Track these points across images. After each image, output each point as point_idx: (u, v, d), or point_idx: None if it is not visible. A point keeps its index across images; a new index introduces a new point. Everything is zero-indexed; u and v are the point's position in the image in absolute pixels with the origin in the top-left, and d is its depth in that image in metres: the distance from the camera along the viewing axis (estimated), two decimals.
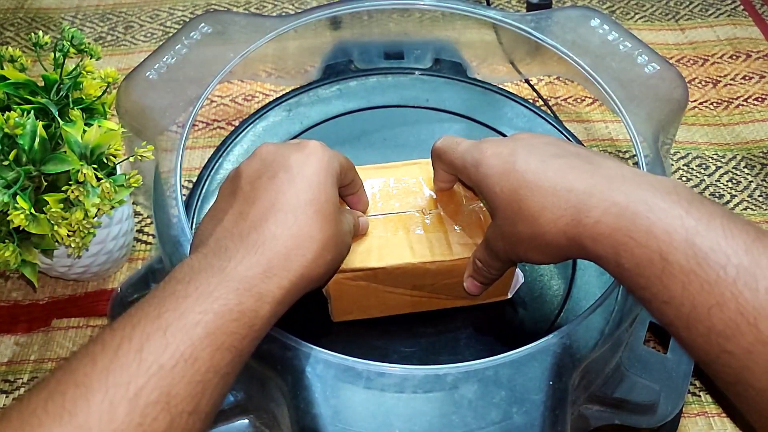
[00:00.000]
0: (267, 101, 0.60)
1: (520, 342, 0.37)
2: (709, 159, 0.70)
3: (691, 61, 0.81)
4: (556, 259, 0.33)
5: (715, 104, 0.76)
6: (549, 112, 0.68)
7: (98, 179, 0.46)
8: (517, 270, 0.43)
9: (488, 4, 0.85)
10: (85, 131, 0.46)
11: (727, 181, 0.68)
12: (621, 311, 0.41)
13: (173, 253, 0.42)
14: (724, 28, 0.85)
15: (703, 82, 0.79)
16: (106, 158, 0.48)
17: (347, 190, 0.39)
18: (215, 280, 0.29)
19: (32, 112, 0.45)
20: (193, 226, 0.48)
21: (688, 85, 0.66)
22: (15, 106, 0.46)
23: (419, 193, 0.43)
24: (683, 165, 0.70)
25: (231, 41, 0.53)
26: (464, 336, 0.43)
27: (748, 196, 0.67)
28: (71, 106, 0.49)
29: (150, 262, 0.48)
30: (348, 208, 0.41)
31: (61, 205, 0.45)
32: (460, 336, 0.43)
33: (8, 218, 0.43)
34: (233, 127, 0.59)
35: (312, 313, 0.42)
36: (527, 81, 0.75)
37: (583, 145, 0.56)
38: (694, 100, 0.77)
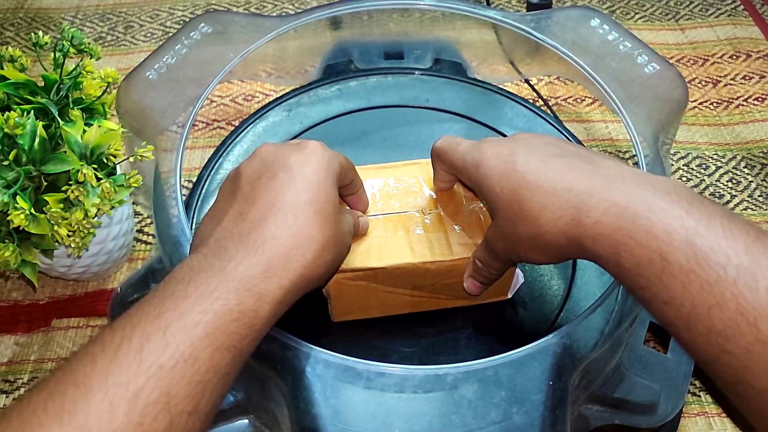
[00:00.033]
0: (267, 101, 0.60)
1: (520, 342, 0.37)
2: (709, 159, 0.70)
3: (691, 61, 0.81)
4: (556, 259, 0.33)
5: (715, 104, 0.76)
6: (549, 112, 0.68)
7: (98, 179, 0.46)
8: (517, 270, 0.43)
9: (488, 4, 0.85)
10: (85, 131, 0.46)
11: (727, 181, 0.68)
12: (621, 311, 0.41)
13: (173, 253, 0.42)
14: (724, 28, 0.85)
15: (703, 82, 0.79)
16: (106, 158, 0.48)
17: (347, 190, 0.39)
18: (215, 280, 0.29)
19: (32, 112, 0.45)
20: (193, 226, 0.48)
21: (688, 85, 0.66)
22: (15, 106, 0.46)
23: (419, 193, 0.43)
24: (683, 165, 0.70)
25: (231, 41, 0.53)
26: (464, 336, 0.43)
27: (748, 196, 0.67)
28: (71, 106, 0.49)
29: (150, 262, 0.48)
30: (348, 208, 0.41)
31: (61, 205, 0.45)
32: (460, 336, 0.43)
33: (8, 218, 0.43)
34: (233, 127, 0.59)
35: (312, 313, 0.42)
36: (527, 81, 0.75)
37: (583, 145, 0.56)
38: (694, 100, 0.77)
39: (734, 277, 0.25)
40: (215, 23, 0.54)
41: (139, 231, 0.63)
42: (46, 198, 0.45)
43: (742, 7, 0.88)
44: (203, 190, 0.52)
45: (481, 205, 0.42)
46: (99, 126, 0.47)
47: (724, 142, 0.72)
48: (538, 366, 0.36)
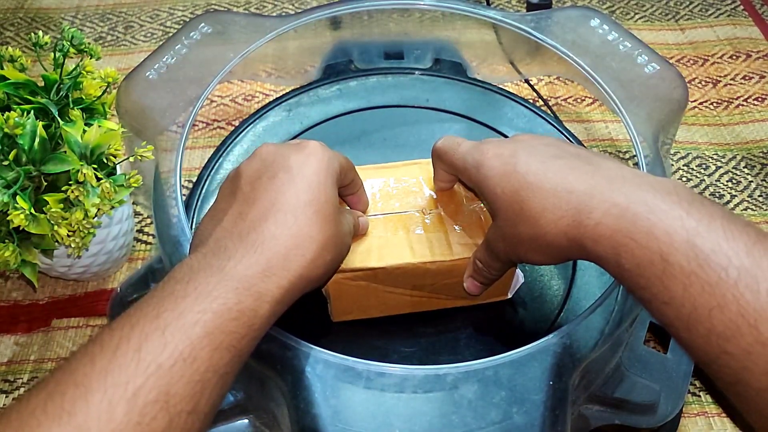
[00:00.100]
0: (267, 101, 0.60)
1: (520, 342, 0.37)
2: (709, 159, 0.70)
3: (691, 61, 0.81)
4: (556, 260, 0.33)
5: (715, 104, 0.76)
6: (549, 112, 0.68)
7: (98, 179, 0.46)
8: (517, 270, 0.43)
9: (488, 4, 0.85)
10: (85, 131, 0.46)
11: (727, 181, 0.68)
12: (621, 311, 0.41)
13: (173, 253, 0.42)
14: (724, 28, 0.85)
15: (703, 82, 0.79)
16: (106, 158, 0.48)
17: (347, 190, 0.39)
18: (214, 279, 0.29)
19: (32, 112, 0.45)
20: (193, 226, 0.48)
21: (688, 85, 0.66)
22: (15, 106, 0.46)
23: (419, 193, 0.43)
24: (683, 165, 0.70)
25: (231, 41, 0.53)
26: (464, 336, 0.43)
27: (748, 196, 0.67)
28: (71, 106, 0.49)
29: (150, 262, 0.48)
30: (348, 208, 0.41)
31: (61, 205, 0.45)
32: (460, 336, 0.43)
33: (8, 218, 0.43)
34: (233, 127, 0.59)
35: (312, 313, 0.42)
36: (527, 81, 0.75)
37: (583, 145, 0.56)
38: (694, 100, 0.77)
39: (735, 278, 0.25)
40: (215, 23, 0.54)
41: (139, 231, 0.63)
42: (46, 198, 0.45)
43: (742, 7, 0.88)
44: (203, 190, 0.52)
45: (482, 205, 0.42)
46: (99, 126, 0.47)
47: (724, 142, 0.72)
48: (538, 366, 0.36)
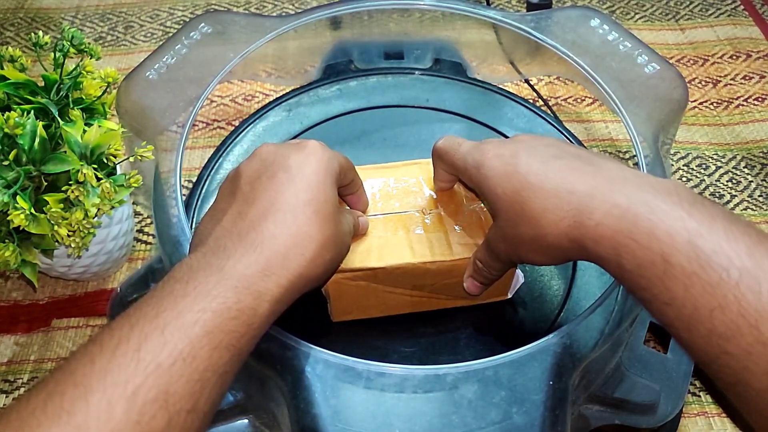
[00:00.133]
0: (267, 101, 0.60)
1: (520, 342, 0.37)
2: (709, 159, 0.70)
3: (691, 61, 0.81)
4: (557, 260, 0.33)
5: (715, 104, 0.76)
6: (549, 112, 0.68)
7: (98, 179, 0.46)
8: (517, 270, 0.43)
9: (488, 4, 0.85)
10: (85, 131, 0.46)
11: (727, 181, 0.68)
12: (621, 311, 0.41)
13: (173, 253, 0.42)
14: (724, 28, 0.85)
15: (703, 82, 0.79)
16: (106, 158, 0.48)
17: (347, 190, 0.39)
18: (214, 278, 0.29)
19: (32, 112, 0.45)
20: (193, 226, 0.48)
21: (688, 85, 0.66)
22: (15, 106, 0.46)
23: (419, 193, 0.43)
24: (683, 165, 0.70)
25: (231, 41, 0.53)
26: (464, 336, 0.43)
27: (748, 196, 0.67)
28: (71, 106, 0.49)
29: (150, 262, 0.48)
30: (348, 208, 0.41)
31: (61, 205, 0.45)
32: (460, 336, 0.43)
33: (8, 218, 0.43)
34: (233, 127, 0.59)
35: (312, 313, 0.42)
36: (527, 81, 0.75)
37: (583, 145, 0.56)
38: (694, 100, 0.77)
39: (737, 279, 0.25)
40: (215, 23, 0.54)
41: (139, 231, 0.63)
42: (46, 198, 0.45)
43: (742, 7, 0.88)
44: (203, 190, 0.52)
45: (482, 205, 0.42)
46: (99, 126, 0.47)
47: (724, 142, 0.72)
48: (538, 366, 0.36)
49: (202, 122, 0.74)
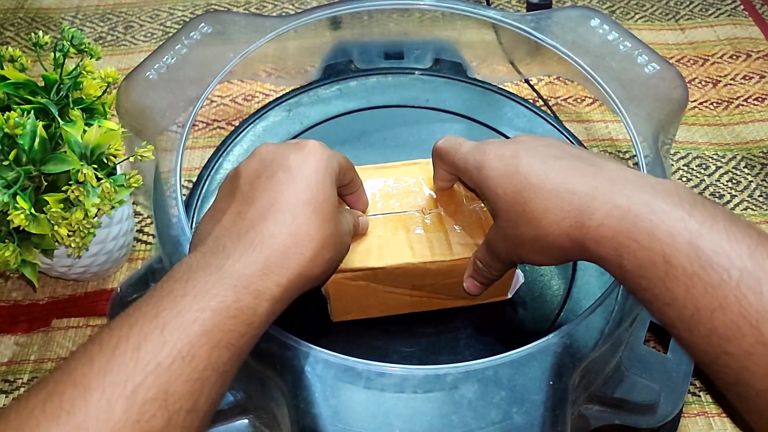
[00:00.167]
0: (267, 101, 0.60)
1: (520, 342, 0.37)
2: (709, 159, 0.70)
3: (691, 61, 0.81)
4: (557, 260, 0.33)
5: (715, 104, 0.76)
6: (549, 112, 0.68)
7: (98, 179, 0.46)
8: (517, 270, 0.43)
9: (488, 4, 0.85)
10: (85, 131, 0.46)
11: (727, 181, 0.68)
12: (621, 311, 0.41)
13: (173, 253, 0.42)
14: (724, 28, 0.85)
15: (703, 82, 0.79)
16: (106, 158, 0.48)
17: (346, 190, 0.39)
18: (213, 278, 0.29)
19: (32, 112, 0.45)
20: (193, 226, 0.48)
21: (688, 85, 0.66)
22: (15, 106, 0.46)
23: (419, 193, 0.43)
24: (683, 165, 0.70)
25: (231, 41, 0.53)
26: (464, 336, 0.43)
27: (748, 196, 0.67)
28: (71, 106, 0.49)
29: (150, 262, 0.48)
30: (348, 207, 0.41)
31: (61, 205, 0.45)
32: (460, 336, 0.43)
33: (8, 218, 0.43)
34: (233, 127, 0.59)
35: (312, 313, 0.42)
36: (527, 81, 0.75)
37: (583, 145, 0.56)
38: (694, 100, 0.77)
39: (738, 280, 0.25)
40: (215, 23, 0.54)
41: (139, 231, 0.63)
42: (46, 198, 0.45)
43: (742, 7, 0.88)
44: (203, 190, 0.52)
45: (482, 205, 0.42)
46: (99, 126, 0.47)
47: (724, 142, 0.72)
48: (538, 366, 0.36)
49: (202, 122, 0.74)
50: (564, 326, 0.38)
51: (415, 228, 0.41)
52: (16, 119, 0.43)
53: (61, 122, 0.46)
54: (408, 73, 0.62)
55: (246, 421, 0.40)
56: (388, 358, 0.41)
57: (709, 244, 0.26)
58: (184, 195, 0.50)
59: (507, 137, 0.55)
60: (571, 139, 0.55)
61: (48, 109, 0.47)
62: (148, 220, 0.64)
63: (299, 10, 0.70)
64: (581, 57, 0.52)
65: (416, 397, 0.35)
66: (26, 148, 0.44)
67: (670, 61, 0.58)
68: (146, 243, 0.63)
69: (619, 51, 0.52)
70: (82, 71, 0.50)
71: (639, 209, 0.28)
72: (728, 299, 0.25)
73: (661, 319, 0.28)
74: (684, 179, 0.69)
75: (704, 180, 0.68)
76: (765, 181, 0.68)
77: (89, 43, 0.50)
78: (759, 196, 0.67)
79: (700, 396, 0.52)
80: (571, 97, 0.77)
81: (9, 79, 0.48)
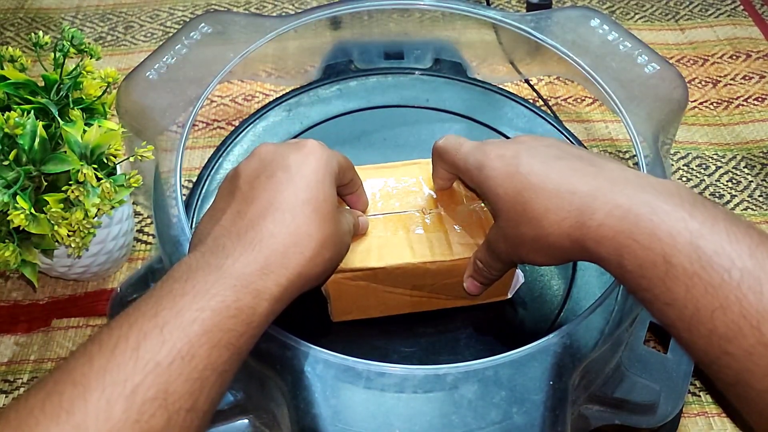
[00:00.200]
0: (267, 101, 0.60)
1: (520, 342, 0.37)
2: (709, 159, 0.70)
3: (691, 61, 0.81)
4: (558, 260, 0.33)
5: (715, 104, 0.76)
6: (549, 112, 0.68)
7: (98, 179, 0.46)
8: (517, 270, 0.43)
9: (488, 4, 0.85)
10: (85, 131, 0.46)
11: (727, 181, 0.68)
12: (621, 311, 0.41)
13: (173, 253, 0.42)
14: (724, 28, 0.85)
15: (703, 82, 0.79)
16: (106, 158, 0.48)
17: (346, 190, 0.39)
18: (212, 277, 0.29)
19: (32, 112, 0.45)
20: (193, 226, 0.48)
21: (688, 85, 0.66)
22: (15, 106, 0.46)
23: (419, 193, 0.43)
24: (683, 165, 0.70)
25: (231, 41, 0.53)
26: (464, 336, 0.43)
27: (748, 196, 0.67)
28: (71, 106, 0.49)
29: (150, 262, 0.48)
30: (348, 207, 0.41)
31: (61, 205, 0.45)
32: (460, 336, 0.43)
33: (8, 218, 0.43)
34: (233, 127, 0.59)
35: (312, 313, 0.42)
36: (527, 81, 0.75)
37: (583, 145, 0.56)
38: (694, 100, 0.77)
39: (738, 280, 0.25)
40: (215, 23, 0.54)
41: (139, 231, 0.63)
42: (46, 198, 0.45)
43: (742, 7, 0.88)
44: (203, 190, 0.52)
45: (482, 205, 0.42)
46: (99, 126, 0.47)
47: (724, 142, 0.72)
48: (538, 366, 0.36)
49: (202, 122, 0.74)
50: (564, 326, 0.38)
51: (415, 228, 0.41)
52: (16, 119, 0.43)
53: (61, 122, 0.46)
54: (408, 73, 0.62)
55: (246, 421, 0.40)
56: (388, 358, 0.41)
57: (710, 244, 0.26)
58: (184, 195, 0.50)
59: (507, 137, 0.55)
60: (571, 139, 0.55)
61: (48, 109, 0.47)
62: (148, 220, 0.64)
63: (299, 10, 0.70)
64: (581, 57, 0.52)
65: (416, 397, 0.35)
66: (26, 148, 0.44)
67: (670, 61, 0.58)
68: (146, 243, 0.63)
69: (619, 51, 0.52)
70: (82, 71, 0.50)
71: (640, 209, 0.28)
72: (729, 299, 0.25)
73: (662, 319, 0.28)
74: (684, 179, 0.69)
75: (704, 180, 0.68)
76: (765, 181, 0.68)
77: (89, 43, 0.50)
78: (759, 196, 0.67)
79: (700, 396, 0.52)
80: (571, 97, 0.77)
81: (9, 79, 0.48)
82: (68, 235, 0.46)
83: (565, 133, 0.56)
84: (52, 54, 0.49)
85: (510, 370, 0.36)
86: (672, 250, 0.27)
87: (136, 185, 0.49)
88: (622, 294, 0.41)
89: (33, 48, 0.49)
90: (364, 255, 0.39)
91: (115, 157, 0.48)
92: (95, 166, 0.46)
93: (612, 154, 0.71)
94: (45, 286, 0.59)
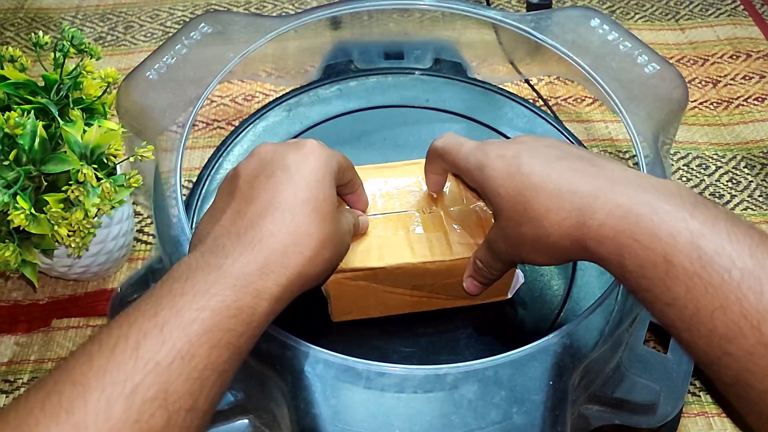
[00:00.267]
0: (267, 101, 0.60)
1: (520, 342, 0.37)
2: (709, 159, 0.70)
3: (691, 61, 0.81)
4: (558, 260, 0.33)
5: (715, 104, 0.76)
6: (549, 112, 0.68)
7: (98, 179, 0.46)
8: (517, 270, 0.43)
9: (488, 4, 0.85)
10: (85, 131, 0.46)
11: (727, 181, 0.68)
12: (621, 311, 0.41)
13: (173, 253, 0.42)
14: (724, 28, 0.85)
15: (703, 82, 0.79)
16: (106, 158, 0.48)
17: (346, 189, 0.39)
18: (212, 277, 0.29)
19: (32, 112, 0.45)
20: (193, 226, 0.48)
21: (688, 85, 0.66)
22: (15, 106, 0.46)
23: (419, 193, 0.43)
24: (683, 165, 0.70)
25: (231, 41, 0.53)
26: (464, 336, 0.43)
27: (748, 196, 0.67)
28: (71, 106, 0.49)
29: (150, 262, 0.48)
30: (348, 207, 0.41)
31: (61, 205, 0.45)
32: (460, 336, 0.43)
33: (8, 218, 0.43)
34: (233, 127, 0.59)
35: (312, 313, 0.42)
36: (527, 81, 0.75)
37: (583, 146, 0.56)
38: (694, 100, 0.76)
39: (738, 280, 0.25)
40: (215, 23, 0.54)
41: (139, 231, 0.63)
42: (46, 198, 0.45)
43: (742, 7, 0.88)
44: (203, 190, 0.52)
45: (482, 204, 0.42)
46: (99, 126, 0.47)
47: (724, 142, 0.72)
48: (538, 366, 0.36)
49: (202, 122, 0.74)
50: (564, 326, 0.38)
51: (415, 228, 0.41)
52: (16, 119, 0.43)
53: (61, 122, 0.46)
54: (408, 73, 0.62)
55: (246, 421, 0.40)
56: (388, 358, 0.41)
57: (711, 244, 0.26)
58: (184, 195, 0.50)
59: (507, 137, 0.55)
60: (571, 139, 0.55)
61: (48, 109, 0.47)
62: (148, 220, 0.64)
63: (299, 10, 0.70)
64: (581, 57, 0.52)
65: (416, 397, 0.35)
66: (26, 148, 0.44)
67: (670, 61, 0.58)
68: (146, 243, 0.63)
69: (619, 51, 0.52)
70: (82, 71, 0.50)
71: (641, 209, 0.28)
72: (729, 299, 0.25)
73: (662, 319, 0.28)
74: (684, 179, 0.69)
75: (704, 180, 0.68)
76: (765, 181, 0.68)
77: (89, 43, 0.50)
78: (759, 196, 0.67)
79: (700, 396, 0.52)
80: (571, 97, 0.77)
81: (9, 79, 0.48)
82: (68, 235, 0.46)
83: (565, 133, 0.56)
84: (52, 54, 0.49)
85: (510, 370, 0.36)
86: (672, 250, 0.27)
87: (136, 185, 0.49)
88: (622, 294, 0.41)
89: (33, 48, 0.49)
90: (364, 255, 0.39)
91: (115, 157, 0.48)
92: (95, 166, 0.46)
93: (612, 154, 0.71)
94: (45, 286, 0.59)
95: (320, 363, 0.36)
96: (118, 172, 0.52)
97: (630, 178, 0.31)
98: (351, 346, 0.41)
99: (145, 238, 0.63)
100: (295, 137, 0.56)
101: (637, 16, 0.88)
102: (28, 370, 0.54)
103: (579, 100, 0.76)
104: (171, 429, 0.25)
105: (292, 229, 0.31)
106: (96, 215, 0.46)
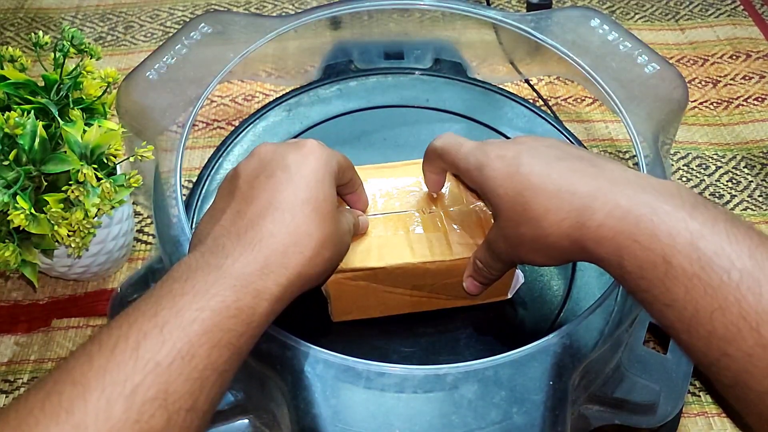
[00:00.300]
0: (267, 101, 0.60)
1: (520, 342, 0.37)
2: (709, 159, 0.70)
3: (691, 61, 0.81)
4: (558, 261, 0.33)
5: (715, 104, 0.76)
6: (549, 112, 0.68)
7: (98, 179, 0.46)
8: (517, 270, 0.43)
9: (488, 4, 0.85)
10: (85, 131, 0.46)
11: (727, 181, 0.68)
12: (621, 311, 0.41)
13: (173, 253, 0.42)
14: (724, 28, 0.85)
15: (703, 82, 0.79)
16: (106, 158, 0.48)
17: (346, 189, 0.39)
18: (212, 277, 0.29)
19: (32, 112, 0.45)
20: (193, 226, 0.48)
21: (688, 85, 0.66)
22: (15, 106, 0.46)
23: (419, 193, 0.43)
24: (683, 165, 0.70)
25: (231, 41, 0.53)
26: (464, 336, 0.43)
27: (748, 196, 0.67)
28: (71, 106, 0.49)
29: (150, 262, 0.48)
30: (348, 207, 0.41)
31: (61, 205, 0.45)
32: (460, 336, 0.43)
33: (8, 218, 0.43)
34: (233, 127, 0.59)
35: (312, 313, 0.42)
36: (527, 81, 0.75)
37: (583, 146, 0.56)
38: (694, 100, 0.77)
39: (738, 281, 0.25)
40: (215, 23, 0.54)
41: (139, 231, 0.63)
42: (46, 198, 0.45)
43: (742, 7, 0.88)
44: (203, 190, 0.52)
45: (481, 204, 0.42)
46: (99, 126, 0.47)
47: (724, 142, 0.72)
48: (538, 366, 0.36)
49: (202, 122, 0.74)
50: (564, 326, 0.38)
51: (415, 228, 0.41)
52: (16, 119, 0.43)
53: (61, 122, 0.46)
54: (408, 73, 0.62)
55: (246, 421, 0.40)
56: (388, 358, 0.41)
57: (710, 245, 0.26)
58: (184, 195, 0.50)
59: (507, 137, 0.55)
60: (571, 139, 0.55)
61: (48, 109, 0.47)
62: (148, 220, 0.64)
63: (299, 10, 0.70)
64: (581, 57, 0.52)
65: (416, 397, 0.35)
66: (26, 148, 0.44)
67: (670, 61, 0.58)
68: (146, 243, 0.63)
69: (619, 51, 0.52)
70: (82, 71, 0.50)
71: (640, 210, 0.28)
72: (728, 300, 0.25)
73: (661, 320, 0.28)
74: (684, 179, 0.69)
75: (704, 180, 0.68)
76: (765, 181, 0.68)
77: (89, 43, 0.50)
78: (759, 196, 0.67)
79: (700, 396, 0.52)
80: (571, 97, 0.77)
81: (9, 79, 0.48)
82: (68, 235, 0.46)
83: (565, 133, 0.56)
84: (52, 54, 0.49)
85: (510, 370, 0.36)
86: (672, 251, 0.27)
87: (136, 185, 0.49)
88: (621, 294, 0.41)
89: (33, 48, 0.50)
90: (364, 255, 0.39)
91: (115, 157, 0.48)
92: (95, 166, 0.46)
93: (612, 154, 0.71)
94: (45, 286, 0.59)
95: (320, 363, 0.36)
96: (118, 172, 0.52)
97: (630, 178, 0.31)
98: (351, 346, 0.41)
99: (145, 238, 0.63)
100: (295, 137, 0.56)
101: (637, 16, 0.88)
102: (28, 370, 0.54)
103: (579, 100, 0.76)
104: (171, 429, 0.25)
105: (292, 229, 0.31)
106: (96, 215, 0.46)
